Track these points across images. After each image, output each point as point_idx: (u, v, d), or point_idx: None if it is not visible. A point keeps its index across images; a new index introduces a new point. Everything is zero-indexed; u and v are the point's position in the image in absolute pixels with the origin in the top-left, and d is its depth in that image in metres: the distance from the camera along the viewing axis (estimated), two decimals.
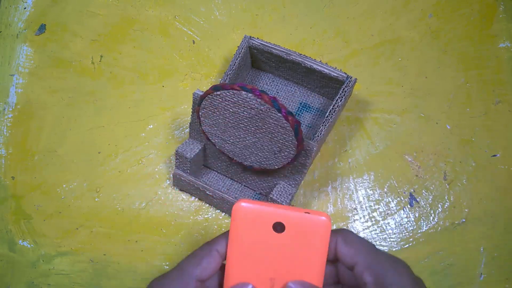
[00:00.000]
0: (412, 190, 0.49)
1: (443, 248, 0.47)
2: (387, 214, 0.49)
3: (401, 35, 0.55)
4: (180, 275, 0.31)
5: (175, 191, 0.50)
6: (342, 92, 0.45)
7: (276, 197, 0.43)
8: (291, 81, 0.52)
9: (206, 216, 0.49)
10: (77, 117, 0.53)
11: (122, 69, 0.55)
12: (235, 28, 0.56)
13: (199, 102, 0.42)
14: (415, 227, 0.48)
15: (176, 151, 0.45)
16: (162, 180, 0.50)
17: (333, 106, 0.45)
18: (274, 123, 0.39)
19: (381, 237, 0.48)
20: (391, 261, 0.30)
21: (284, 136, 0.40)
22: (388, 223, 0.48)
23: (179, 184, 0.49)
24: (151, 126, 0.53)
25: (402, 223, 0.48)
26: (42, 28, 0.57)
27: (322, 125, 0.45)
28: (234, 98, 0.39)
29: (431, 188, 0.49)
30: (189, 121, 0.47)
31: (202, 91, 0.43)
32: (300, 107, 0.51)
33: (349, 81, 0.46)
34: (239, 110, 0.40)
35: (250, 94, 0.38)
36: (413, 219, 0.48)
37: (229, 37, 0.56)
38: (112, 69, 0.55)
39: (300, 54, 0.47)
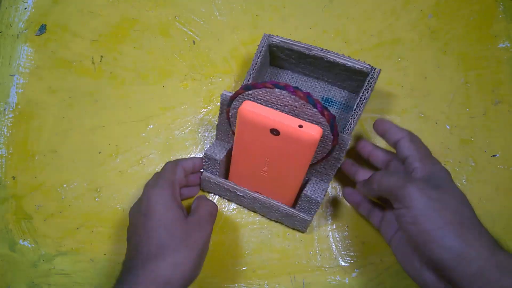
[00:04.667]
0: None
1: None
2: None
3: (401, 35, 0.55)
4: (166, 181, 0.41)
5: None
6: (367, 84, 0.45)
7: (310, 193, 0.43)
8: (311, 76, 0.51)
9: None
10: (78, 117, 0.53)
11: (122, 69, 0.55)
12: (235, 28, 0.56)
13: (229, 103, 0.41)
14: None
15: (205, 153, 0.45)
16: None
17: (361, 98, 0.44)
18: (309, 119, 0.39)
19: (380, 236, 0.48)
20: (439, 164, 0.39)
21: None
22: None
23: (208, 186, 0.48)
24: (151, 126, 0.53)
25: None
26: (42, 28, 0.57)
27: (351, 118, 0.44)
28: (266, 96, 0.39)
29: None
30: (216, 123, 0.47)
31: (230, 92, 0.42)
32: (323, 102, 0.51)
33: (373, 72, 0.45)
34: (272, 107, 0.39)
35: (284, 91, 0.38)
36: None
37: (229, 37, 0.56)
38: (113, 69, 0.55)
39: (322, 49, 0.46)
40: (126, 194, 0.50)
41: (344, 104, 0.51)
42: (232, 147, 0.46)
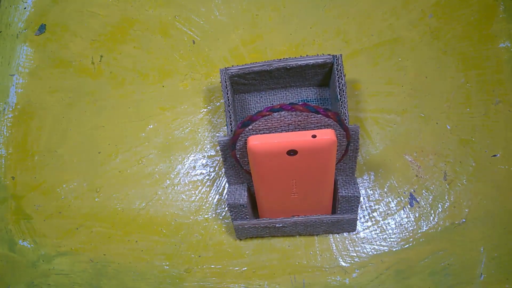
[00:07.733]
0: (412, 190, 0.49)
1: (443, 248, 0.47)
2: (387, 214, 0.49)
3: (401, 35, 0.55)
4: None
5: (175, 191, 0.50)
6: (337, 71, 0.45)
7: (346, 193, 0.43)
8: (278, 88, 0.51)
9: (206, 216, 0.49)
10: (77, 117, 0.53)
11: (122, 69, 0.55)
12: (235, 28, 0.56)
13: (231, 146, 0.41)
14: (415, 227, 0.48)
15: (228, 204, 0.43)
16: (162, 180, 0.50)
17: (339, 86, 0.44)
18: (317, 126, 0.39)
19: (381, 237, 0.48)
20: None
21: None
22: (388, 223, 0.48)
23: (244, 233, 0.46)
24: (151, 126, 0.53)
25: (402, 223, 0.48)
26: (42, 28, 0.57)
27: (342, 108, 0.44)
28: (268, 124, 0.39)
29: (431, 188, 0.49)
30: (224, 170, 0.45)
31: (225, 136, 0.42)
32: None
33: (337, 59, 0.45)
34: (277, 131, 0.39)
35: (282, 112, 0.38)
36: (413, 219, 0.48)
37: (229, 37, 0.56)
38: (112, 69, 0.55)
39: (280, 59, 0.46)
40: (126, 194, 0.50)
41: (319, 99, 0.51)
42: (249, 186, 0.45)
